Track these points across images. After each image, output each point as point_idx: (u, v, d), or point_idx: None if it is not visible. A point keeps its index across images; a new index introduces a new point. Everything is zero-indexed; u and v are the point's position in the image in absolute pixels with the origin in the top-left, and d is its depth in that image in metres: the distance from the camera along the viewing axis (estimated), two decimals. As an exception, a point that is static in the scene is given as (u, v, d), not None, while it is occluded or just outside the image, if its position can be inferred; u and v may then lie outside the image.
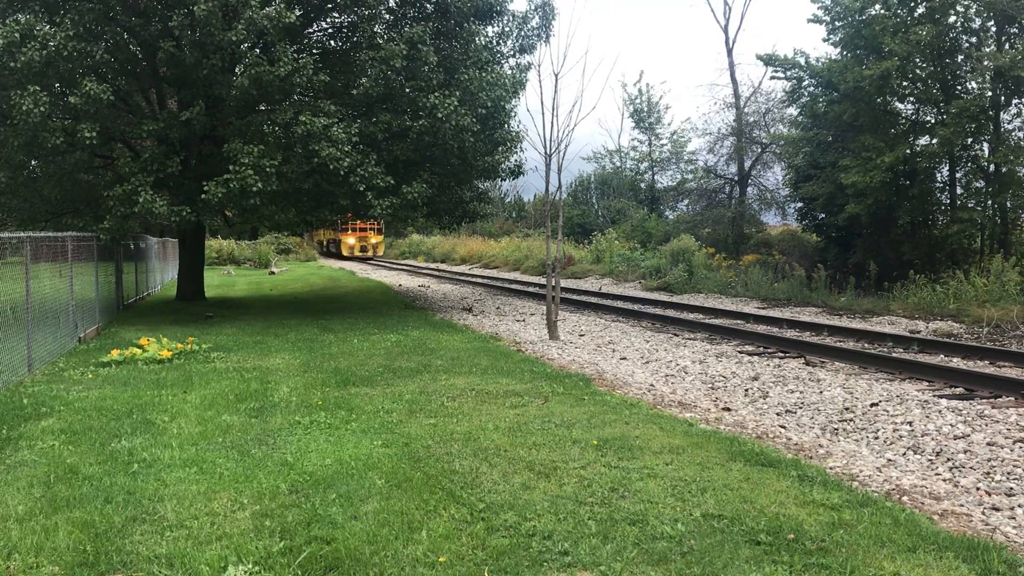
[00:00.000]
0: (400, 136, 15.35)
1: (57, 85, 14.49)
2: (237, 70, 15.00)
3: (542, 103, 13.48)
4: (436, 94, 14.63)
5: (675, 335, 13.88)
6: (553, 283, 13.58)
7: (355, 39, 16.48)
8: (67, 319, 11.86)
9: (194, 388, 8.82)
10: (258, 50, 15.30)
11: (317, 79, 14.44)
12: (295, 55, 14.46)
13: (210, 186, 13.94)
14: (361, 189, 14.36)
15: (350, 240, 56.79)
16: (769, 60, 25.82)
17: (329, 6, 16.27)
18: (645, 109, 47.96)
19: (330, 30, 17.91)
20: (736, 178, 35.23)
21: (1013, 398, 8.23)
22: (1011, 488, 5.44)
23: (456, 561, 4.07)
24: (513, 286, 27.41)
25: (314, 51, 17.01)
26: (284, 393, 8.47)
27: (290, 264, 46.69)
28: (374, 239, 57.91)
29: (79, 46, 13.28)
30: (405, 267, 45.54)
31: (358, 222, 52.93)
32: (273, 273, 37.39)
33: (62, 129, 13.68)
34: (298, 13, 14.68)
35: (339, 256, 59.63)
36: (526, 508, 4.79)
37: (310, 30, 17.22)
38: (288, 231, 39.72)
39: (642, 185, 48.25)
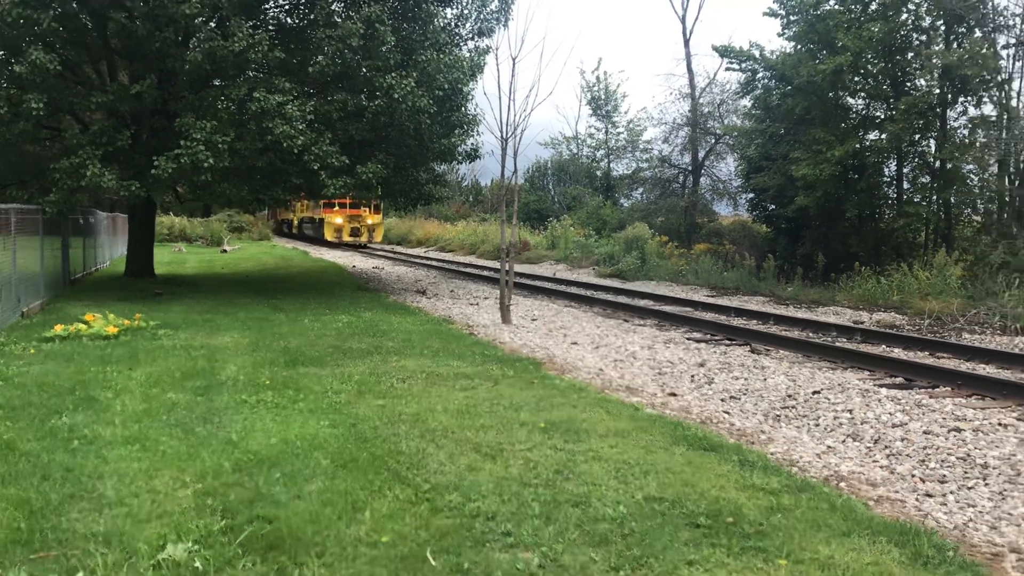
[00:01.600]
0: (356, 116, 15.21)
1: (1, 52, 14.09)
2: (191, 44, 14.73)
3: (499, 87, 13.48)
4: (393, 74, 14.51)
5: (626, 321, 14.00)
6: (507, 268, 13.60)
7: (312, 16, 16.24)
8: (9, 293, 11.58)
9: (140, 365, 8.69)
10: (213, 24, 15.03)
11: (272, 56, 14.22)
12: (251, 30, 14.22)
13: (161, 161, 13.68)
14: (315, 168, 14.21)
15: (336, 220, 43.12)
16: (725, 51, 26.06)
17: (286, -19, 16.05)
18: (603, 97, 48.07)
19: (287, 6, 17.63)
20: (690, 168, 35.54)
21: (950, 388, 8.46)
22: (944, 475, 5.60)
23: (399, 541, 4.08)
24: (468, 270, 27.39)
25: (270, 27, 16.74)
26: (232, 372, 8.38)
27: (243, 242, 46.04)
28: (371, 219, 44.52)
29: (24, 12, 12.90)
30: (360, 248, 45.24)
31: (347, 197, 40.24)
32: (225, 251, 36.86)
33: (6, 99, 13.31)
34: (254, -13, 14.44)
35: (317, 241, 46.12)
36: (471, 489, 4.82)
37: (266, 6, 16.93)
38: (241, 208, 38.96)
39: (598, 173, 48.44)
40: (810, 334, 12.60)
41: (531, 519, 4.38)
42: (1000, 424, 6.87)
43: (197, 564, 3.78)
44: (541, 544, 4.07)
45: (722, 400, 7.99)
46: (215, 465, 5.23)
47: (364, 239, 44.11)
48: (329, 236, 43.68)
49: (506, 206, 13.83)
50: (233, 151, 14.01)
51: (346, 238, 43.43)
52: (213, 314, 13.23)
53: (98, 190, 14.60)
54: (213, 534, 4.13)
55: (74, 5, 14.43)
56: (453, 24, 17.79)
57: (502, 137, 13.36)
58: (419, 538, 4.13)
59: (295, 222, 53.82)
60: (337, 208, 42.62)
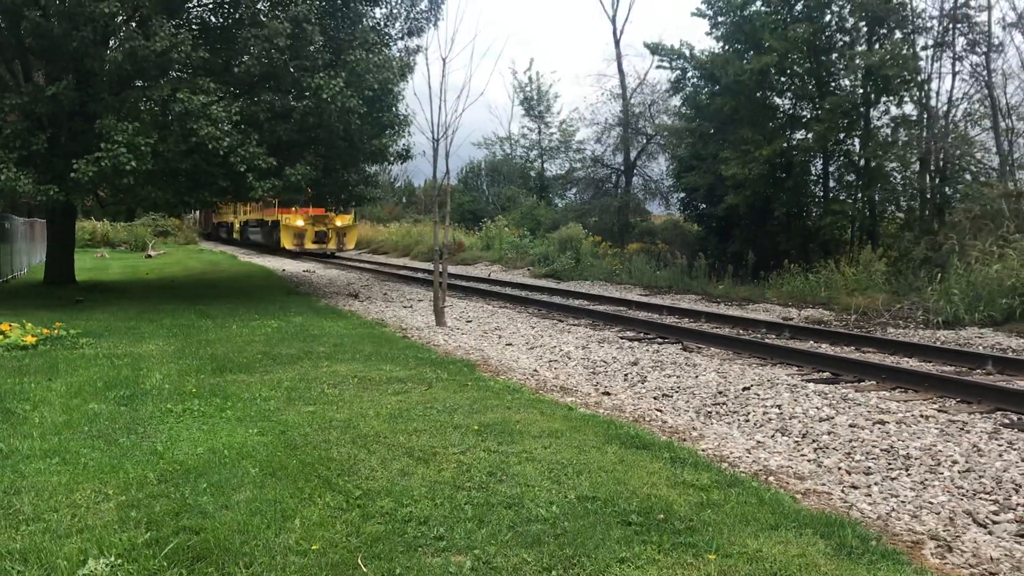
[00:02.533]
0: (284, 116, 14.98)
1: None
2: (111, 44, 14.34)
3: (430, 87, 13.37)
4: (321, 74, 14.33)
5: (560, 321, 14.06)
6: (441, 269, 13.53)
7: (237, 15, 15.96)
8: (-81, 303, 11.11)
9: (60, 375, 8.41)
10: (133, 23, 14.65)
11: (196, 55, 13.93)
12: (173, 30, 13.90)
13: (80, 164, 13.29)
14: (242, 170, 13.96)
15: (296, 222, 35.10)
16: (655, 49, 26.35)
17: (210, -20, 15.73)
18: (535, 97, 48.21)
19: (210, 5, 17.29)
20: (622, 168, 35.89)
21: (875, 382, 8.68)
22: (869, 467, 5.73)
23: (329, 548, 4.01)
24: (402, 272, 27.21)
25: (193, 26, 16.39)
26: (156, 380, 8.17)
27: (169, 247, 45.00)
28: (340, 221, 36.24)
29: (-69, 11, 12.42)
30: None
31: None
32: (150, 256, 36.01)
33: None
34: (176, -14, 14.12)
35: (267, 249, 38.96)
36: (403, 494, 4.77)
37: (190, 4, 16.58)
38: (166, 212, 38.01)
39: (532, 173, 48.58)
40: (740, 331, 12.82)
41: (464, 522, 4.35)
42: (922, 416, 7.06)
43: (119, 579, 3.66)
44: (474, 547, 4.04)
45: (655, 398, 8.07)
46: (139, 476, 5.08)
47: (332, 246, 35.97)
48: (287, 243, 35.32)
49: (439, 208, 13.76)
50: (156, 153, 13.68)
51: (309, 245, 35.26)
52: (137, 321, 12.88)
53: (14, 195, 14.10)
54: (137, 547, 4.00)
55: (-15, 2, 13.94)
56: (382, 24, 17.67)
57: (434, 138, 13.31)
58: (350, 545, 4.06)
59: (236, 225, 46.70)
60: (295, 210, 33.59)
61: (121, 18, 14.21)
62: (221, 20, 16.85)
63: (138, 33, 13.61)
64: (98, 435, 6.09)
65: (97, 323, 12.52)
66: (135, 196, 15.60)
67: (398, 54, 17.36)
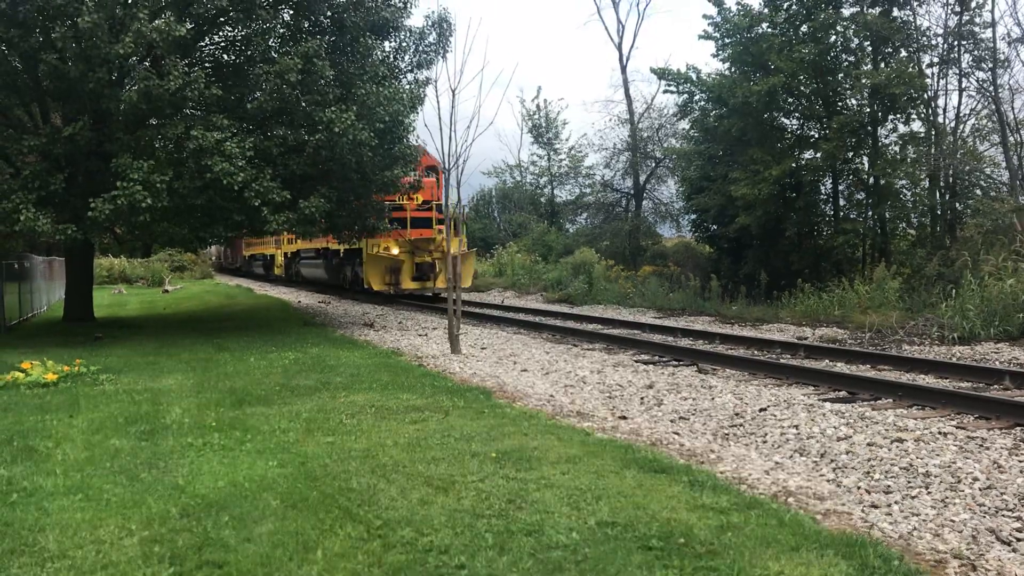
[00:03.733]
0: (296, 150, 15.15)
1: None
2: (125, 84, 14.56)
3: (439, 118, 13.51)
4: (333, 108, 14.50)
5: (574, 346, 14.08)
6: (455, 297, 13.60)
7: (249, 53, 16.20)
8: (-59, 343, 11.24)
9: (81, 412, 8.49)
10: (147, 63, 14.88)
11: (209, 93, 14.13)
12: (186, 68, 14.13)
13: (97, 203, 13.46)
14: (256, 204, 14.10)
15: (391, 251, 24.13)
16: (662, 74, 26.54)
17: (221, 20, 15.95)
18: (543, 124, 48.52)
19: (223, 44, 17.55)
20: (632, 192, 36.01)
21: (891, 400, 8.65)
22: (888, 486, 5.72)
23: (352, 579, 4.04)
24: (416, 300, 27.26)
25: (206, 64, 16.64)
26: (176, 415, 8.23)
27: (185, 282, 45.31)
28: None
29: (-49, 57, 12.67)
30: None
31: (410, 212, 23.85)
32: (167, 291, 36.24)
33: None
34: (189, 26, 14.33)
35: (337, 289, 29.80)
36: (423, 523, 4.79)
37: (202, 43, 16.83)
38: (182, 248, 38.32)
39: (542, 199, 48.78)
40: (755, 352, 12.80)
41: (485, 550, 4.37)
42: (940, 433, 7.04)
43: (145, 615, 3.70)
44: (495, 575, 4.06)
45: (671, 421, 8.07)
46: (162, 511, 5.12)
47: (439, 285, 24.15)
48: (375, 282, 24.13)
49: (451, 235, 13.85)
50: (171, 190, 13.84)
51: (409, 285, 24.32)
52: (156, 356, 12.98)
53: (33, 234, 14.28)
54: (161, 583, 4.04)
55: (3, 48, 14.20)
56: (392, 57, 17.88)
57: (445, 168, 13.41)
58: (372, 575, 4.09)
59: (278, 258, 37.63)
60: (390, 236, 22.85)
61: (135, 59, 14.44)
62: (233, 58, 17.10)
63: (152, 72, 13.83)
64: (120, 471, 6.15)
65: (116, 359, 12.63)
66: (151, 233, 15.77)
67: (408, 86, 17.54)
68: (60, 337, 16.23)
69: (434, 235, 23.73)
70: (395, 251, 23.73)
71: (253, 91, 15.31)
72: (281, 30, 16.19)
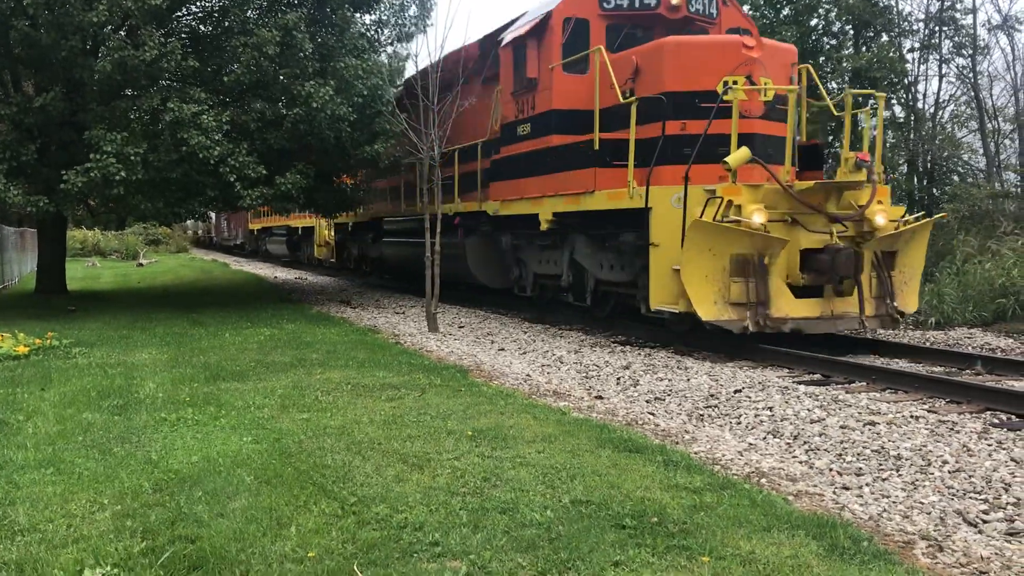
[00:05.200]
0: (274, 125, 14.98)
1: None
2: (100, 53, 14.33)
3: (420, 93, 13.39)
4: (311, 82, 14.35)
5: (552, 326, 14.08)
6: (433, 275, 13.53)
7: (226, 24, 15.96)
8: (-90, 314, 11.08)
9: (53, 385, 8.41)
10: (122, 33, 14.65)
11: (186, 65, 13.93)
12: (162, 39, 13.91)
13: (70, 175, 13.28)
14: (232, 179, 13.96)
15: (753, 217, 9.25)
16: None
17: (199, -11, 15.75)
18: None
19: (200, 14, 17.29)
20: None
21: (865, 383, 8.73)
22: (860, 468, 5.78)
23: (325, 555, 4.04)
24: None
25: (183, 35, 16.39)
26: (150, 389, 8.18)
27: (160, 255, 44.95)
28: (884, 217, 10.10)
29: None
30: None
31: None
32: (142, 265, 35.94)
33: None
34: (165, -5, 14.11)
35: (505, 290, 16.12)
36: (398, 500, 4.79)
37: (178, 13, 16.56)
38: (157, 222, 37.78)
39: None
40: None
41: (459, 527, 4.38)
42: (912, 416, 7.12)
43: (116, 589, 3.68)
44: (469, 552, 4.07)
45: (647, 401, 8.10)
46: (134, 486, 5.09)
47: (868, 312, 10.21)
48: (703, 296, 9.54)
49: (429, 214, 13.76)
50: (146, 163, 13.66)
51: (793, 310, 9.77)
52: (130, 330, 12.87)
53: (3, 205, 14.07)
54: (133, 556, 4.02)
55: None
56: (372, 30, 17.68)
57: (424, 143, 13.30)
58: (346, 552, 4.09)
59: (323, 234, 28.38)
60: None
61: (110, 28, 14.19)
62: (210, 29, 16.84)
63: (127, 43, 13.61)
64: (92, 445, 6.10)
65: (89, 332, 12.51)
66: (125, 206, 15.60)
67: (387, 60, 17.38)
68: (32, 309, 16.05)
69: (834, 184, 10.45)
70: (758, 218, 9.46)
71: (230, 64, 15.09)
72: (259, 1, 15.97)
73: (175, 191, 15.17)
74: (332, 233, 27.03)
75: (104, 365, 9.65)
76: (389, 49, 18.33)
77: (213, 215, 41.03)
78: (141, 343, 11.50)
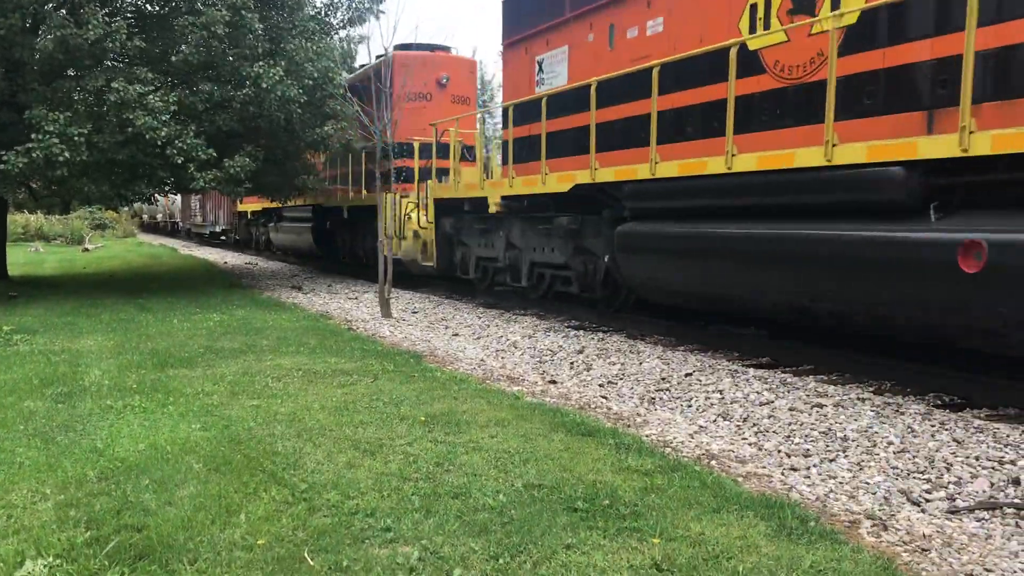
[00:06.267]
0: (223, 106, 14.74)
1: None
2: (40, 32, 13.94)
3: (372, 76, 13.27)
4: (260, 63, 14.13)
5: (506, 311, 14.08)
6: (387, 259, 13.44)
7: (174, 3, 15.64)
8: None
9: (-8, 373, 8.20)
10: (64, 11, 14.26)
11: (132, 44, 13.62)
12: (106, 18, 13.57)
13: (10, 156, 12.92)
14: (180, 161, 13.70)
15: None
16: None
17: (144, -34, 15.39)
18: (479, 87, 48.06)
19: (146, -8, 16.91)
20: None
21: (813, 366, 8.86)
22: (808, 449, 5.87)
23: (275, 543, 3.99)
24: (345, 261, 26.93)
25: (128, 14, 16.00)
26: (95, 376, 8.01)
27: (107, 240, 44.03)
28: None
29: None
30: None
31: None
32: (87, 250, 35.17)
33: None
34: (109, -28, 13.79)
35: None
36: (350, 487, 4.76)
37: (124, -9, 16.20)
38: (103, 205, 36.82)
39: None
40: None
41: (411, 513, 4.36)
42: (859, 399, 7.24)
43: (59, 580, 3.60)
44: (421, 537, 4.05)
45: (600, 385, 8.15)
46: (78, 475, 4.98)
47: None
48: None
49: (381, 198, 13.65)
50: (91, 144, 13.36)
51: None
52: (75, 316, 12.59)
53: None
54: (77, 547, 3.94)
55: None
56: (323, 12, 17.46)
57: (375, 127, 13.19)
58: (296, 539, 4.05)
59: (394, 213, 16.49)
60: None
61: (51, 5, 13.82)
62: (157, 8, 16.47)
63: (69, 21, 13.26)
64: (34, 433, 5.96)
65: (32, 319, 12.21)
66: (69, 188, 15.22)
67: (340, 43, 17.18)
68: (-28, 295, 15.61)
69: None
70: None
71: (178, 44, 14.81)
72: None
73: (121, 173, 14.85)
74: (428, 215, 15.59)
75: (47, 352, 9.43)
76: (342, 33, 18.11)
77: (177, 197, 37.18)
78: (86, 330, 11.26)
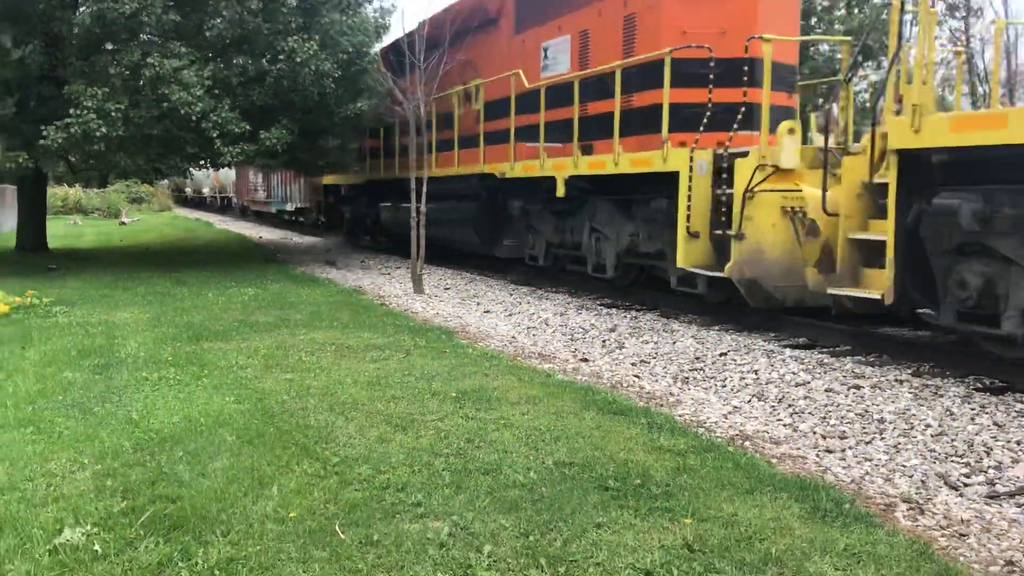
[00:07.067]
0: (257, 81, 14.77)
1: None
2: (79, 6, 14.04)
3: (407, 50, 13.21)
4: (295, 37, 14.14)
5: (538, 288, 14.05)
6: (419, 236, 13.45)
7: (209, -23, 15.67)
8: None
9: (33, 344, 8.33)
10: (101, -15, 14.34)
11: (167, 19, 13.67)
12: (142, -8, 13.63)
13: (49, 131, 13.07)
14: (215, 136, 13.79)
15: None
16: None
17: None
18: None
19: (182, -34, 16.94)
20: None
21: (850, 347, 8.74)
22: (843, 431, 5.79)
23: (307, 516, 4.01)
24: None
25: (163, -12, 16.07)
26: (132, 348, 8.11)
27: (143, 214, 44.54)
28: None
29: None
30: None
31: None
32: (124, 223, 35.63)
33: None
34: (146, -53, 13.80)
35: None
36: (381, 461, 4.77)
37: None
38: (139, 179, 37.30)
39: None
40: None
41: (442, 488, 4.36)
42: (897, 380, 7.13)
43: (96, 547, 3.65)
44: (452, 513, 4.05)
45: (632, 364, 8.10)
46: (115, 445, 5.05)
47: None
48: None
49: (414, 175, 13.63)
50: (127, 119, 13.47)
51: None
52: (112, 289, 12.76)
53: (-19, 161, 13.87)
54: (113, 516, 3.99)
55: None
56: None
57: (412, 104, 13.15)
58: (328, 512, 4.07)
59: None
60: None
61: (88, -21, 13.91)
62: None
63: (107, -5, 13.35)
64: (72, 404, 6.04)
65: (71, 291, 12.39)
66: (106, 162, 15.40)
67: (373, 15, 17.11)
68: (12, 267, 15.88)
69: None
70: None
71: (213, 18, 14.84)
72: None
73: (156, 147, 14.97)
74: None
75: (85, 324, 9.56)
76: (375, 4, 18.06)
77: (231, 169, 31.39)
78: (123, 302, 11.40)
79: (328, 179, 23.05)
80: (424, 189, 13.01)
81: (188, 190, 55.20)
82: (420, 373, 7.09)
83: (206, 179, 45.13)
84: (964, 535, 4.05)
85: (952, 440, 5.48)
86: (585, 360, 8.30)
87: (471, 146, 14.67)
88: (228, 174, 38.87)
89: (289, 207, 29.99)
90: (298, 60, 14.01)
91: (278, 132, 14.69)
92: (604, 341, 9.20)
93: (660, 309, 11.27)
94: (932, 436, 5.58)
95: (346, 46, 15.07)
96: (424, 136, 13.66)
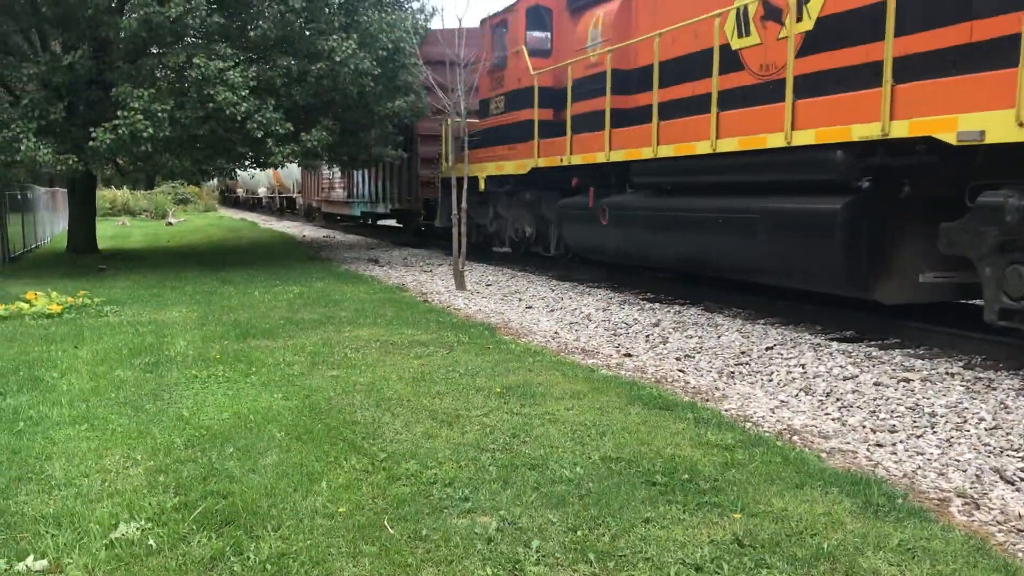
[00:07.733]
0: (299, 81, 14.93)
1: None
2: (125, 11, 14.28)
3: (445, 47, 13.26)
4: (335, 37, 14.26)
5: (579, 283, 14.01)
6: (461, 232, 13.48)
7: (251, -21, 15.87)
8: (-55, 273, 11.23)
9: (85, 343, 8.50)
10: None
11: (211, 21, 13.88)
12: (187, -5, 13.84)
13: (98, 133, 13.32)
14: (260, 136, 13.95)
15: None
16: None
17: (223, -56, 15.59)
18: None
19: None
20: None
21: (899, 339, 8.60)
22: (894, 425, 5.70)
23: (356, 511, 4.05)
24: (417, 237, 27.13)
25: (208, -9, 16.30)
26: (181, 347, 8.24)
27: (189, 214, 45.24)
28: None
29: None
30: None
31: None
32: (171, 224, 36.22)
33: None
34: (190, -49, 14.01)
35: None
36: (428, 456, 4.80)
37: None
38: (185, 180, 37.90)
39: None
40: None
41: (488, 483, 4.38)
42: (948, 373, 7.01)
43: (151, 542, 3.71)
44: (499, 508, 4.06)
45: (677, 359, 8.05)
46: (167, 442, 5.13)
47: None
48: None
49: (455, 174, 13.67)
50: (173, 120, 13.70)
51: None
52: (160, 288, 12.98)
53: (34, 164, 14.17)
54: (166, 511, 4.06)
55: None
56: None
57: (451, 103, 13.19)
58: (376, 507, 4.10)
59: None
60: None
61: (135, -16, 14.15)
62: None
63: (152, 0, 13.58)
64: (125, 401, 6.16)
65: (120, 291, 12.63)
66: (153, 164, 15.65)
67: (411, 14, 17.19)
68: (64, 268, 16.23)
69: None
70: None
71: (256, 19, 15.02)
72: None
73: (202, 148, 15.20)
74: None
75: (135, 323, 9.74)
76: (416, 4, 18.14)
77: (293, 167, 26.23)
78: (171, 301, 11.59)
79: (443, 171, 17.12)
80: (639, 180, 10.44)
81: (240, 191, 50.95)
82: (464, 369, 7.11)
83: (264, 178, 40.16)
84: (1022, 531, 3.96)
85: (1007, 434, 5.37)
86: (629, 355, 8.27)
87: (774, 99, 8.77)
88: (292, 171, 34.11)
89: (382, 208, 23.52)
90: (337, 59, 14.12)
91: (318, 134, 14.83)
92: (648, 336, 9.15)
93: (704, 303, 11.18)
94: (986, 430, 5.47)
95: (385, 43, 15.16)
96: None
